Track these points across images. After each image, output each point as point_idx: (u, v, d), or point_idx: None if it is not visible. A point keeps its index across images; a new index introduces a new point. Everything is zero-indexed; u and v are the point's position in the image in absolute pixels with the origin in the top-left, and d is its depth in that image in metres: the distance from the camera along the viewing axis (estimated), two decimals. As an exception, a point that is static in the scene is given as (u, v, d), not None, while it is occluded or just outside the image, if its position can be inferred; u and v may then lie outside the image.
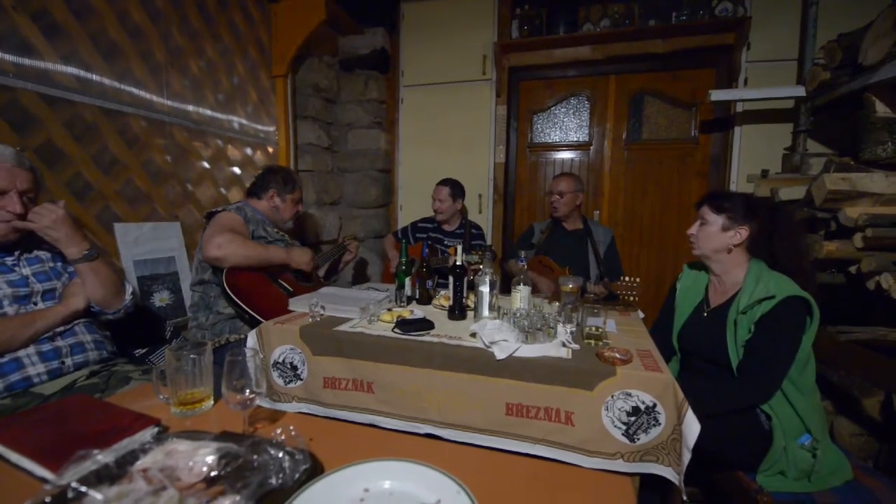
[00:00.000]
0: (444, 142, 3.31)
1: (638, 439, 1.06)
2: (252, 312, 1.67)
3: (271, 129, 2.82)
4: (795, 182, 2.10)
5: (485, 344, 1.21)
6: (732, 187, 2.71)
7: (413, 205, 3.42)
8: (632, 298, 1.71)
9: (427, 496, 0.70)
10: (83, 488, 0.59)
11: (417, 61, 3.31)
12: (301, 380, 1.38)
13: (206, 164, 2.36)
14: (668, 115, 3.02)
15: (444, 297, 1.67)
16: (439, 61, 3.24)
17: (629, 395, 1.07)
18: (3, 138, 1.50)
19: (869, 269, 1.62)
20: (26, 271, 1.32)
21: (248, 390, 0.87)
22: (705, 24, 2.67)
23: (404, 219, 3.40)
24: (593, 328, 1.28)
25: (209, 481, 0.65)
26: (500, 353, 1.16)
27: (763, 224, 1.35)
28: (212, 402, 1.02)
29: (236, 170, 2.57)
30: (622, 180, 3.14)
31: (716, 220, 1.39)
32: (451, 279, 1.51)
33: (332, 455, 0.81)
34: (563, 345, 1.22)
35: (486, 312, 1.48)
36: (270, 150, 2.82)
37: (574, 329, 1.35)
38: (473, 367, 1.20)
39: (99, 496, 0.59)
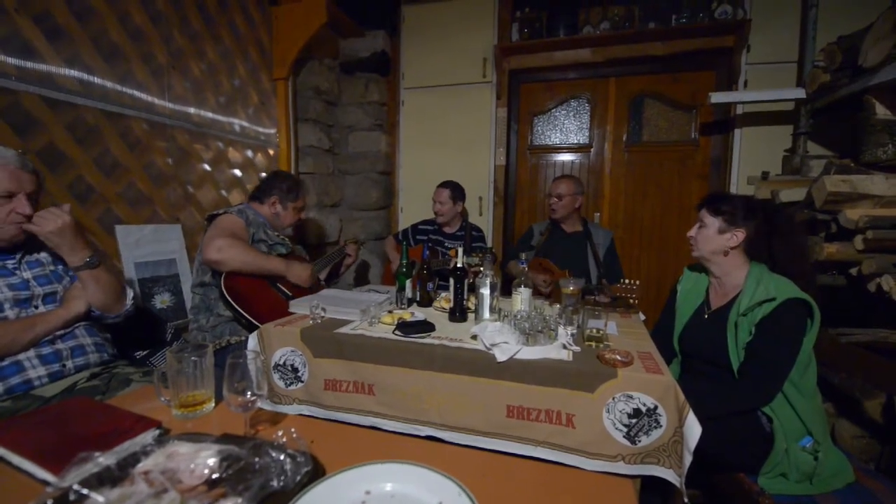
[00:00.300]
0: (445, 144, 3.31)
1: (639, 441, 1.06)
2: (249, 317, 1.67)
3: (272, 131, 2.83)
4: (796, 184, 2.10)
5: (486, 346, 1.21)
6: (733, 189, 2.71)
7: (414, 207, 3.42)
8: (631, 301, 1.71)
9: (428, 498, 0.70)
10: (85, 491, 0.59)
11: (418, 64, 3.32)
12: (302, 382, 1.38)
13: (207, 167, 2.37)
14: (668, 117, 3.02)
15: (445, 300, 1.67)
16: (440, 64, 3.24)
17: (630, 397, 1.07)
18: (6, 141, 1.50)
19: (870, 271, 1.62)
20: (27, 275, 1.32)
21: (249, 392, 0.87)
22: (705, 26, 2.68)
23: (405, 221, 3.40)
24: (594, 330, 1.28)
25: (210, 484, 0.65)
26: (500, 356, 1.16)
27: (761, 226, 1.35)
28: (213, 405, 1.02)
29: (237, 172, 2.58)
30: (622, 182, 3.14)
31: (713, 223, 1.39)
32: (451, 281, 1.51)
33: (334, 457, 0.81)
34: (564, 347, 1.22)
35: (486, 314, 1.48)
36: (271, 152, 2.83)
37: (575, 331, 1.35)
38: (474, 370, 1.20)
39: (100, 498, 0.59)
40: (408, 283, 1.71)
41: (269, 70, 2.79)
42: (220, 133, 2.45)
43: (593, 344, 1.27)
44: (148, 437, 0.84)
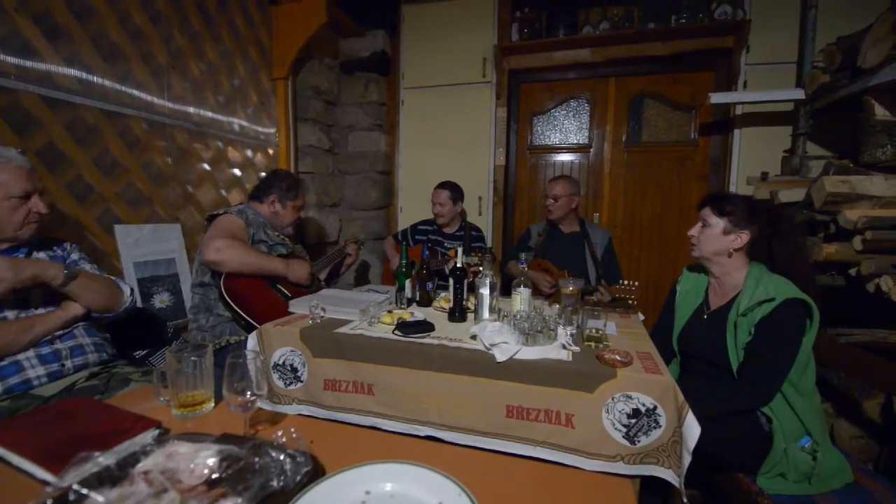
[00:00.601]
0: (445, 144, 3.31)
1: (638, 441, 1.06)
2: (248, 318, 1.67)
3: (272, 131, 2.83)
4: (795, 184, 2.11)
5: (485, 346, 1.21)
6: (732, 189, 2.71)
7: (413, 207, 3.42)
8: (630, 302, 1.71)
9: (428, 498, 0.70)
10: (84, 490, 0.59)
11: (418, 64, 3.32)
12: (301, 382, 1.38)
13: (206, 166, 2.36)
14: (667, 117, 3.02)
15: (445, 300, 1.67)
16: (440, 64, 3.24)
17: (630, 397, 1.07)
18: (5, 140, 1.50)
19: (869, 272, 1.63)
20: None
21: (248, 392, 0.87)
22: (704, 27, 2.68)
23: (404, 221, 3.40)
24: (594, 330, 1.28)
25: (210, 483, 0.65)
26: (500, 356, 1.16)
27: (764, 228, 1.35)
28: (212, 405, 1.02)
29: (237, 171, 2.58)
30: (622, 182, 3.14)
31: (718, 223, 1.38)
32: (451, 281, 1.51)
33: (334, 457, 0.81)
34: (564, 347, 1.22)
35: (486, 314, 1.48)
36: (271, 151, 2.83)
37: (574, 331, 1.35)
38: (474, 370, 1.20)
39: (100, 498, 0.59)
40: (407, 283, 1.71)
41: (269, 70, 2.79)
42: (220, 133, 2.45)
43: (593, 344, 1.27)
44: (147, 436, 0.84)
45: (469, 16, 3.14)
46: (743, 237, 1.35)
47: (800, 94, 2.34)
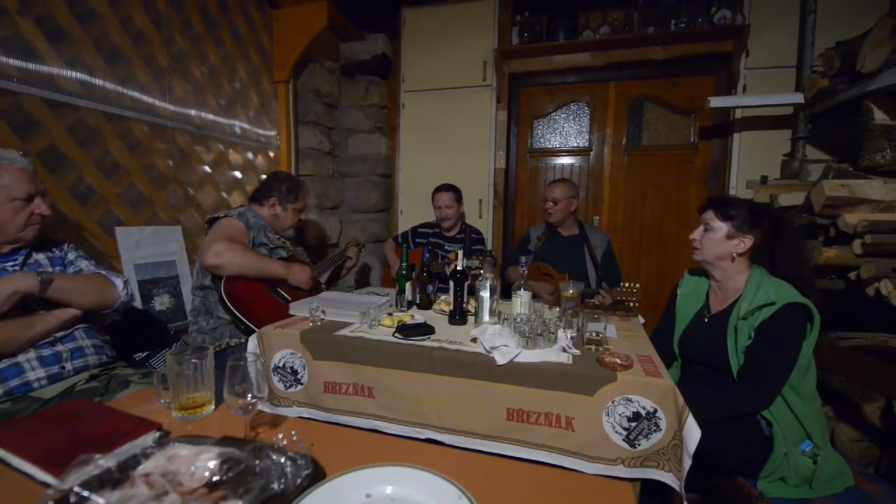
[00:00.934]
0: (445, 147, 3.32)
1: (639, 445, 1.06)
2: (248, 322, 1.66)
3: (272, 133, 2.83)
4: (794, 188, 2.11)
5: (485, 349, 1.21)
6: (732, 193, 2.72)
7: (413, 210, 3.43)
8: (632, 304, 1.71)
9: (429, 501, 0.70)
10: (85, 493, 0.59)
11: (418, 67, 3.33)
12: (301, 384, 1.38)
13: (207, 169, 2.37)
14: (667, 121, 3.03)
15: (445, 302, 1.67)
16: (440, 67, 3.26)
17: (630, 400, 1.07)
18: (7, 142, 1.51)
19: (868, 276, 1.63)
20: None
21: (249, 395, 0.87)
22: (704, 31, 2.69)
23: (405, 223, 3.40)
24: (594, 333, 1.28)
25: (211, 486, 0.65)
26: (500, 359, 1.16)
27: (767, 233, 1.35)
28: (213, 407, 1.02)
29: (237, 174, 2.58)
30: (622, 186, 3.15)
31: (721, 227, 1.38)
32: (451, 284, 1.51)
33: (334, 460, 0.81)
34: (564, 350, 1.22)
35: (486, 317, 1.48)
36: (272, 154, 2.83)
37: (574, 334, 1.35)
38: (474, 373, 1.20)
39: (101, 501, 0.59)
40: (408, 285, 1.71)
41: (270, 72, 2.80)
42: (221, 135, 2.45)
43: (593, 347, 1.27)
44: (148, 439, 0.84)
45: (469, 19, 3.15)
46: (746, 241, 1.35)
47: (799, 99, 2.35)
